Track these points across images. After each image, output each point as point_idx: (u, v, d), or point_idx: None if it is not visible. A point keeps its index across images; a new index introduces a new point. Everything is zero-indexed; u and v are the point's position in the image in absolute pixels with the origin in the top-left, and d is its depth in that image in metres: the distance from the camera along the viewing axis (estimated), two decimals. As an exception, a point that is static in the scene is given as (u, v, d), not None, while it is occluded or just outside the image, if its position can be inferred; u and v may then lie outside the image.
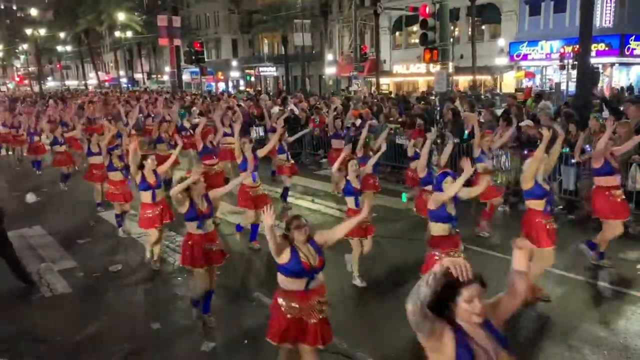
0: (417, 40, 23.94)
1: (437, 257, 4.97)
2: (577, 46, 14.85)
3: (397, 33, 38.69)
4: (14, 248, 7.08)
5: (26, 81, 69.37)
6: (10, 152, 17.52)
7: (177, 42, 36.44)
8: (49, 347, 5.46)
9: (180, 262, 5.77)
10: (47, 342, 5.54)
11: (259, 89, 44.33)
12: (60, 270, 7.46)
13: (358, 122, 13.30)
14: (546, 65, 30.22)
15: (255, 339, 5.21)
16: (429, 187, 6.79)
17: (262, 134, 15.33)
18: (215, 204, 6.82)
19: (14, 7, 72.22)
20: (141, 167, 7.04)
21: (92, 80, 65.10)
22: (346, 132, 12.19)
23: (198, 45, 31.38)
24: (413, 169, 8.69)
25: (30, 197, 11.63)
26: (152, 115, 16.35)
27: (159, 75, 58.60)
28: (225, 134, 10.69)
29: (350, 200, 6.58)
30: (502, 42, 31.96)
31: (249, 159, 7.97)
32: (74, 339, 5.58)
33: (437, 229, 5.19)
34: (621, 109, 11.50)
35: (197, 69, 35.92)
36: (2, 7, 78.26)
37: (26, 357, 5.32)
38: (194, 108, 16.80)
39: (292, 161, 10.67)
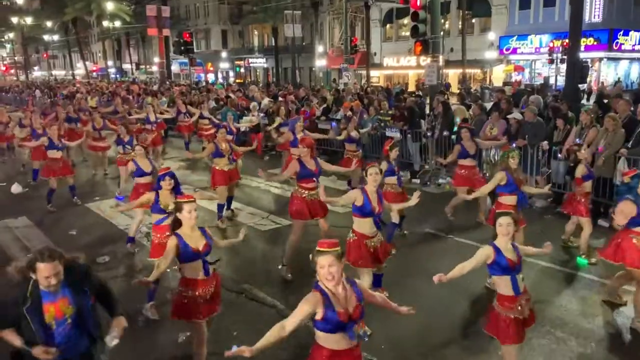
0: (407, 33, 23.96)
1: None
2: (567, 40, 14.92)
3: (388, 25, 38.65)
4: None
5: (12, 70, 68.59)
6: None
7: (166, 32, 36.21)
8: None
9: None
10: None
11: (249, 79, 44.11)
12: (46, 262, 7.34)
13: (349, 114, 13.28)
14: (535, 59, 30.41)
15: (243, 331, 5.17)
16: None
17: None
18: None
19: (0, -5, 71.38)
20: (176, 225, 4.44)
21: (79, 70, 64.45)
22: (335, 125, 12.11)
23: (187, 35, 31.16)
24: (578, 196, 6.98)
25: (16, 188, 11.49)
26: (184, 112, 15.52)
27: (147, 66, 58.15)
28: (294, 143, 8.34)
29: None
30: (492, 35, 32.08)
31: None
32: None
33: None
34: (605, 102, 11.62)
35: (186, 60, 35.69)
36: (-13, -5, 77.14)
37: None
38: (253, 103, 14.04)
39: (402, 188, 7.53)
